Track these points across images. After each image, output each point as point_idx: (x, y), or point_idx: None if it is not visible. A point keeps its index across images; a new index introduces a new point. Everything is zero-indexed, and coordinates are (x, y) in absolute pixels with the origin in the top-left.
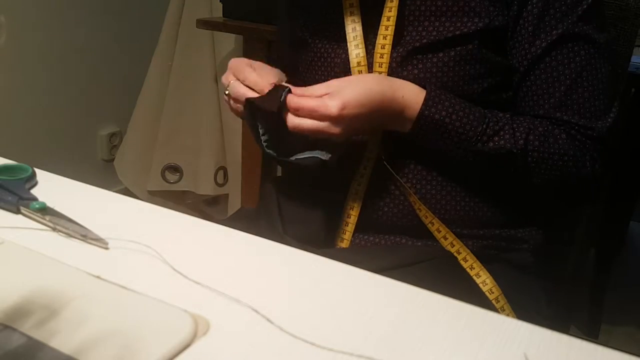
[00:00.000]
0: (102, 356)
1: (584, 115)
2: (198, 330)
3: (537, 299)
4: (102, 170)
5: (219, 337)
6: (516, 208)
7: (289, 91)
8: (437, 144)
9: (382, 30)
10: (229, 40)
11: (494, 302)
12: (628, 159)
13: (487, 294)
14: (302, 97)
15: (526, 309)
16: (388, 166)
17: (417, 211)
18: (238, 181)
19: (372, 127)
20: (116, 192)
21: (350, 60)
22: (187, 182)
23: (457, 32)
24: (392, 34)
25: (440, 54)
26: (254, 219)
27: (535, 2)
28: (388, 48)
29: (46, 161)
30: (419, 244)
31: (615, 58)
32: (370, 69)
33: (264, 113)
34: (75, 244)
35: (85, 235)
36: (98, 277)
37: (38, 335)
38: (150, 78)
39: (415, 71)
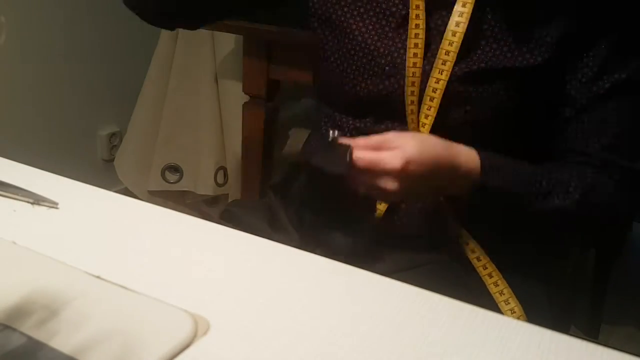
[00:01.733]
0: (102, 356)
1: (628, 157)
2: (198, 330)
3: (539, 300)
4: (102, 170)
5: (219, 337)
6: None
7: (351, 149)
8: (494, 208)
9: (448, 36)
10: (229, 40)
11: (503, 303)
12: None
13: (497, 295)
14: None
15: (529, 311)
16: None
17: (452, 232)
18: (238, 181)
19: (430, 191)
20: (116, 192)
21: (407, 60)
22: (187, 182)
23: (525, 62)
24: (458, 47)
25: (502, 81)
26: (251, 212)
27: (605, 44)
28: (452, 58)
29: (46, 161)
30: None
31: None
32: (424, 77)
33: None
34: (76, 244)
35: (34, 199)
36: (98, 277)
37: (38, 335)
38: (150, 78)
39: (474, 94)
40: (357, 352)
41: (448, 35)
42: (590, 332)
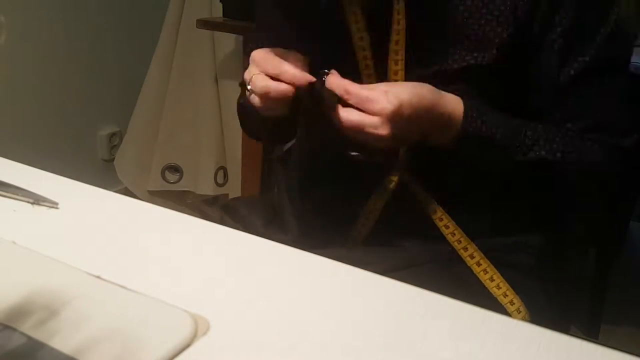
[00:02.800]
0: (102, 356)
1: (613, 135)
2: (198, 330)
3: (538, 300)
4: (102, 170)
5: (219, 337)
6: (525, 216)
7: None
8: (476, 159)
9: (392, 56)
10: (229, 40)
11: (509, 305)
12: (628, 159)
13: (501, 297)
14: (351, 83)
15: (529, 311)
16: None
17: (438, 221)
18: (238, 181)
19: (418, 135)
20: (116, 192)
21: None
22: (187, 182)
23: (472, 62)
24: (403, 59)
25: (459, 81)
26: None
27: (563, 25)
28: (401, 75)
29: (46, 161)
30: (433, 246)
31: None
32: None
33: (304, 105)
34: (76, 244)
35: (34, 199)
36: (98, 277)
37: (38, 335)
38: (150, 78)
39: None
40: (357, 352)
41: (392, 45)
42: (590, 332)
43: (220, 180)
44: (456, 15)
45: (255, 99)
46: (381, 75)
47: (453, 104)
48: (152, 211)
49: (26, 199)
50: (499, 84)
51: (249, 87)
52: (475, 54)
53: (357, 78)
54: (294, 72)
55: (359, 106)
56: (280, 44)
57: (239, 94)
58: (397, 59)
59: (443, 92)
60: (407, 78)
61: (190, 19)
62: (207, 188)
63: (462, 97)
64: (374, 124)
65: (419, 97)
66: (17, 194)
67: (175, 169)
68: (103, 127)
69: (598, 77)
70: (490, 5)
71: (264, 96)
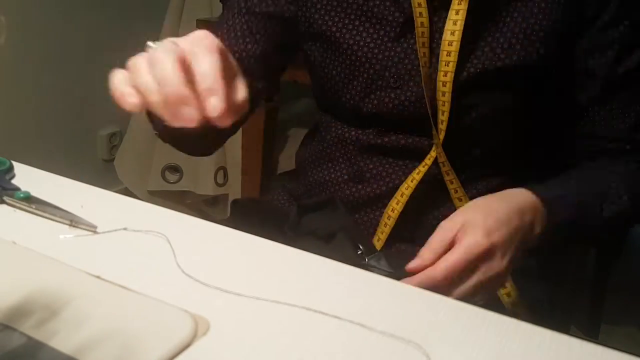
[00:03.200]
0: (102, 356)
1: None
2: (198, 330)
3: (539, 300)
4: (102, 170)
5: (219, 337)
6: None
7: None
8: (570, 233)
9: (447, 37)
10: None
11: (509, 305)
12: None
13: (504, 297)
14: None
15: (529, 311)
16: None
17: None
18: (238, 181)
19: (520, 245)
20: (116, 192)
21: (421, 69)
22: (187, 182)
23: (527, 59)
24: (458, 47)
25: (507, 79)
26: (256, 213)
27: (620, 25)
28: (454, 59)
29: (46, 161)
30: None
31: None
32: (431, 83)
33: None
34: (76, 244)
35: (73, 220)
36: (98, 277)
37: (38, 335)
38: None
39: (483, 94)
40: (357, 352)
41: (447, 35)
42: (590, 332)
43: (220, 180)
44: (507, 10)
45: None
46: (432, 75)
47: (523, 196)
48: (152, 211)
49: (63, 220)
50: (547, 80)
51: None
52: (522, 50)
53: (412, 65)
54: (206, 68)
55: (460, 270)
56: (307, 22)
57: None
58: (450, 50)
59: (506, 193)
60: (457, 72)
61: (190, 19)
62: (207, 188)
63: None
64: (487, 270)
65: (495, 212)
66: (55, 215)
67: (175, 169)
68: (103, 127)
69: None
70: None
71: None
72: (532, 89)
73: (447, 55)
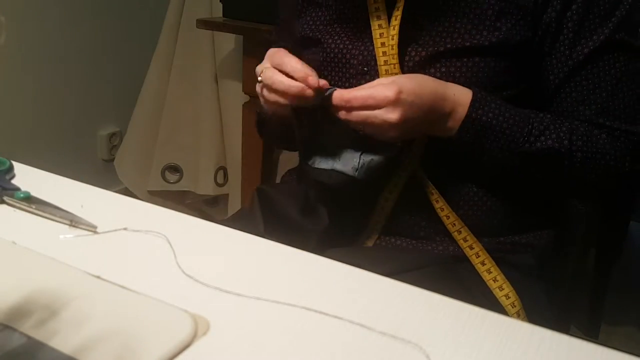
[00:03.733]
0: (102, 356)
1: (625, 120)
2: (198, 330)
3: (539, 300)
4: (102, 170)
5: (219, 337)
6: (527, 214)
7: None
8: (483, 148)
9: (392, 22)
10: (229, 40)
11: (510, 307)
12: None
13: (503, 299)
14: (349, 91)
15: (528, 310)
16: (425, 177)
17: (445, 218)
18: (238, 181)
19: (424, 124)
20: (116, 192)
21: (378, 59)
22: (187, 182)
23: (476, 42)
24: (397, 33)
25: (464, 60)
26: (254, 218)
27: (575, 10)
28: (394, 48)
29: (46, 161)
30: (440, 248)
31: None
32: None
33: (306, 112)
34: (76, 244)
35: (73, 220)
36: (98, 277)
37: (38, 335)
38: (150, 78)
39: (438, 75)
40: (357, 352)
41: (392, 21)
42: (590, 332)
43: (220, 180)
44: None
45: (264, 92)
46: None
47: (459, 92)
48: (152, 211)
49: (63, 220)
50: (512, 63)
51: (259, 79)
52: (486, 32)
53: (372, 60)
54: (295, 66)
55: (363, 108)
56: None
57: (238, 94)
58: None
59: (449, 83)
60: (424, 55)
61: (190, 19)
62: (207, 188)
63: (473, 85)
64: (380, 114)
65: (420, 84)
66: (55, 215)
67: (175, 169)
68: (103, 127)
69: (611, 59)
70: None
71: (269, 87)
72: (495, 72)
73: (413, 41)
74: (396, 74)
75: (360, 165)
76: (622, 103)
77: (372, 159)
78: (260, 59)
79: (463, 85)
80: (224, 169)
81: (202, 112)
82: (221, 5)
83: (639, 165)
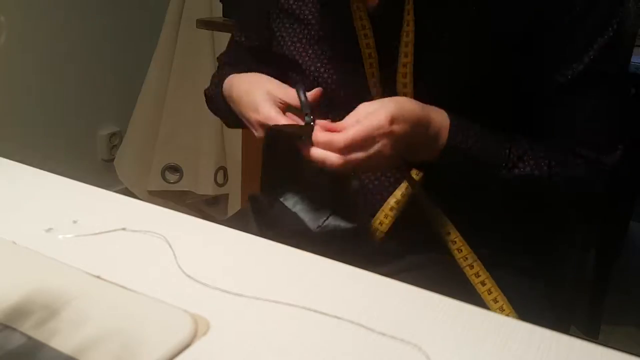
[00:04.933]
0: (102, 356)
1: (599, 150)
2: (198, 330)
3: (540, 301)
4: (102, 170)
5: (219, 337)
6: (525, 219)
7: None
8: (460, 174)
9: (402, 59)
10: (229, 40)
11: (498, 310)
12: (628, 159)
13: (491, 303)
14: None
15: (529, 311)
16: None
17: (440, 227)
18: (238, 181)
19: (411, 151)
20: (116, 192)
21: (371, 90)
22: (187, 182)
23: (475, 73)
24: (411, 69)
25: (455, 91)
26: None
27: (558, 35)
28: (410, 80)
29: (46, 161)
30: (439, 252)
31: (626, 82)
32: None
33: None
34: (76, 244)
35: None
36: (98, 277)
37: (38, 335)
38: (150, 78)
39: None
40: (357, 352)
41: (402, 47)
42: (590, 332)
43: (220, 180)
44: (454, 20)
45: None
46: (389, 84)
47: (439, 116)
48: (152, 211)
49: None
50: (496, 93)
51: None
52: (469, 62)
53: (364, 86)
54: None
55: (360, 149)
56: (270, 47)
57: None
58: (405, 62)
59: (428, 106)
60: (415, 86)
61: (190, 19)
62: (207, 188)
63: (447, 110)
64: (375, 151)
65: (407, 110)
66: None
67: (175, 169)
68: (103, 127)
69: (589, 90)
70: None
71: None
72: (479, 102)
73: (404, 57)
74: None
75: (324, 225)
76: (597, 134)
77: (338, 225)
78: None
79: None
80: (224, 169)
81: (202, 112)
82: (221, 5)
83: (610, 189)
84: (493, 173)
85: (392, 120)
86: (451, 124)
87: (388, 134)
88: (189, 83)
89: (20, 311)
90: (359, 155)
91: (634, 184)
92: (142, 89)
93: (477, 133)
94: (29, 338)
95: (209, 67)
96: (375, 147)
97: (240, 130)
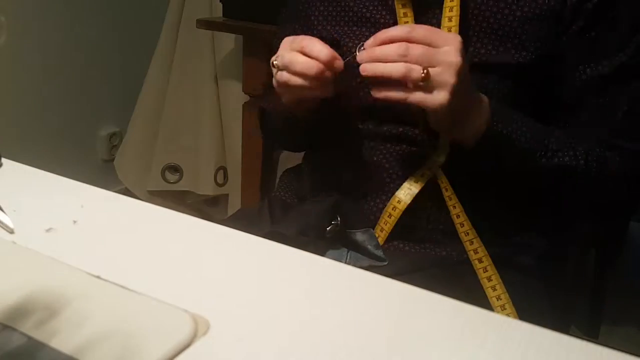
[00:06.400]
0: (102, 356)
1: (634, 140)
2: (198, 330)
3: (540, 301)
4: (102, 170)
5: (219, 337)
6: (529, 217)
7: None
8: (499, 158)
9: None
10: (229, 40)
11: (499, 308)
12: None
13: (494, 299)
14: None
15: (529, 311)
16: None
17: (455, 217)
18: (238, 181)
19: (462, 111)
20: (116, 192)
21: None
22: (187, 182)
23: (510, 60)
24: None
25: (496, 75)
26: (255, 219)
27: (595, 32)
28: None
29: (46, 161)
30: (444, 252)
31: None
32: None
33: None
34: (76, 244)
35: None
36: (98, 277)
37: (38, 335)
38: (150, 78)
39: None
40: (357, 352)
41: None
42: (590, 332)
43: (220, 180)
44: (501, 11)
45: (281, 76)
46: None
47: (486, 99)
48: (152, 211)
49: None
50: (534, 82)
51: (275, 62)
52: (514, 52)
53: None
54: (320, 47)
55: (426, 40)
56: (308, 28)
57: (239, 94)
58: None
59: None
60: None
61: (190, 19)
62: (207, 188)
63: (491, 96)
64: (445, 52)
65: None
66: None
67: (175, 169)
68: (103, 127)
69: (627, 82)
70: (532, 4)
71: (289, 69)
72: (520, 89)
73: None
74: None
75: (346, 260)
76: (635, 125)
77: (356, 262)
78: (260, 59)
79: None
80: (224, 169)
81: (202, 112)
82: (221, 5)
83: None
84: (531, 160)
85: (462, 56)
86: (493, 107)
87: (455, 52)
88: (189, 83)
89: (20, 311)
90: (419, 50)
91: (633, 184)
92: (142, 89)
93: (518, 120)
94: (29, 338)
95: (209, 67)
96: (442, 51)
97: (240, 130)
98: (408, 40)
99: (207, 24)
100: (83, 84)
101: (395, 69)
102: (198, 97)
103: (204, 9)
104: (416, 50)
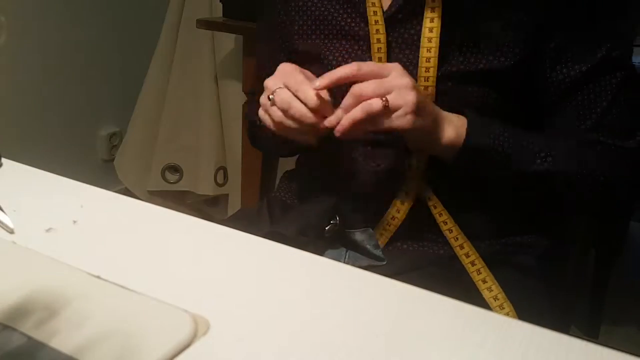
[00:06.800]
0: (102, 356)
1: (618, 136)
2: (198, 330)
3: (540, 301)
4: (102, 170)
5: (219, 337)
6: (528, 216)
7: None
8: (478, 171)
9: (424, 43)
10: (229, 40)
11: (498, 308)
12: (633, 163)
13: (491, 300)
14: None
15: (529, 311)
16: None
17: (438, 216)
18: (238, 181)
19: (432, 130)
20: (116, 192)
21: None
22: (187, 182)
23: (490, 66)
24: (437, 54)
25: (480, 82)
26: (254, 219)
27: (573, 31)
28: (434, 64)
29: (46, 161)
30: (441, 251)
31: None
32: None
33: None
34: (76, 244)
35: None
36: (98, 277)
37: (38, 335)
38: (150, 78)
39: (457, 95)
40: (358, 352)
41: (424, 42)
42: (590, 332)
43: (220, 180)
44: (481, 16)
45: (275, 113)
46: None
47: (456, 118)
48: (152, 211)
49: None
50: (515, 87)
51: (270, 97)
52: (495, 56)
53: None
54: (312, 97)
55: (373, 73)
56: (288, 41)
57: (238, 94)
58: (429, 57)
59: (443, 112)
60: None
61: (190, 19)
62: (207, 188)
63: (466, 108)
64: (393, 77)
65: (430, 104)
66: None
67: (175, 169)
68: (103, 127)
69: (607, 77)
70: (510, 8)
71: (283, 111)
72: (503, 93)
73: (426, 62)
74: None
75: (345, 259)
76: (615, 119)
77: (355, 262)
78: None
79: (476, 106)
80: (224, 169)
81: (202, 112)
82: (221, 5)
83: (632, 179)
84: (510, 168)
85: (409, 77)
86: (469, 121)
87: (403, 74)
88: (189, 83)
89: (20, 311)
90: (372, 84)
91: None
92: (142, 89)
93: (496, 129)
94: (29, 338)
95: (209, 67)
96: (391, 78)
97: (240, 130)
98: (357, 77)
99: (207, 24)
100: (83, 84)
101: (358, 113)
102: (198, 97)
103: (204, 9)
104: (368, 86)
